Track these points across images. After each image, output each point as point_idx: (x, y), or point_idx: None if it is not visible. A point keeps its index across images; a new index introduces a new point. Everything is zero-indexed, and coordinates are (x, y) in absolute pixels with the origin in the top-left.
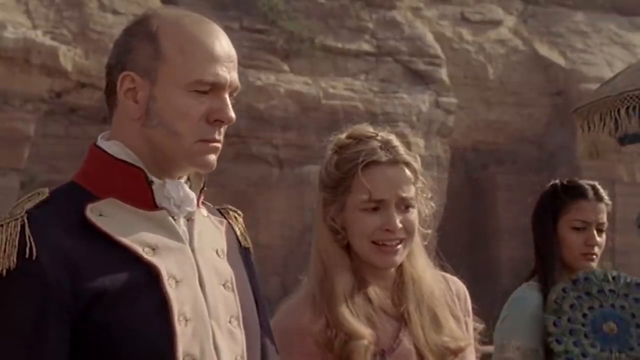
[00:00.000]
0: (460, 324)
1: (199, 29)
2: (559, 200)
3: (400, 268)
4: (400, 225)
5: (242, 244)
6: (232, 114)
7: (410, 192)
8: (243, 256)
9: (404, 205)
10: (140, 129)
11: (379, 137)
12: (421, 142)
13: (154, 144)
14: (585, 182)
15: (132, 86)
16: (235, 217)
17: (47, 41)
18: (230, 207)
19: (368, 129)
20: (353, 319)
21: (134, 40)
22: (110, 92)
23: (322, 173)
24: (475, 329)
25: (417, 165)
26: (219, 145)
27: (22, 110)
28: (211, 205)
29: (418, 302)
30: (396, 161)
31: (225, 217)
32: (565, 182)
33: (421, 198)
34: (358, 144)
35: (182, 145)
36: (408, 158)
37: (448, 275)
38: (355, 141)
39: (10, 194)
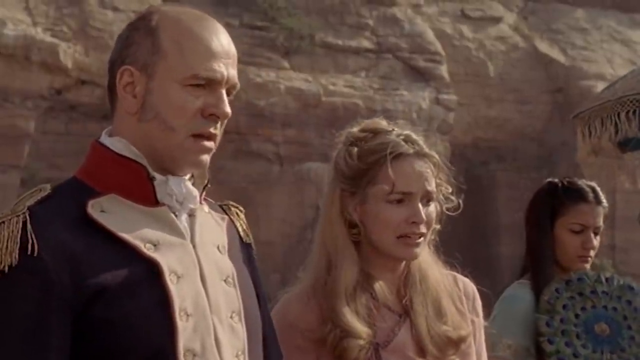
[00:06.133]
0: (464, 317)
1: (197, 24)
2: (557, 201)
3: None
4: (425, 218)
5: (244, 240)
6: (228, 109)
7: (433, 185)
8: (245, 252)
9: (427, 199)
10: (137, 124)
11: (396, 131)
12: (421, 140)
13: (150, 138)
14: (585, 184)
15: (130, 80)
16: (237, 214)
17: (47, 38)
18: (232, 203)
19: (383, 122)
20: (352, 317)
21: (135, 34)
22: (112, 87)
23: (341, 165)
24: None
25: (437, 159)
26: (211, 145)
27: (22, 108)
28: (213, 202)
29: (424, 293)
30: (423, 154)
31: (227, 213)
32: (565, 183)
33: (439, 192)
34: (376, 136)
35: (175, 139)
36: (431, 152)
37: (458, 275)
38: (371, 134)
39: (10, 191)
